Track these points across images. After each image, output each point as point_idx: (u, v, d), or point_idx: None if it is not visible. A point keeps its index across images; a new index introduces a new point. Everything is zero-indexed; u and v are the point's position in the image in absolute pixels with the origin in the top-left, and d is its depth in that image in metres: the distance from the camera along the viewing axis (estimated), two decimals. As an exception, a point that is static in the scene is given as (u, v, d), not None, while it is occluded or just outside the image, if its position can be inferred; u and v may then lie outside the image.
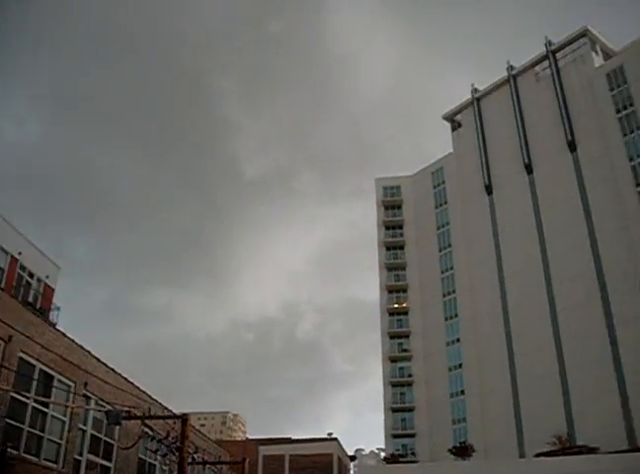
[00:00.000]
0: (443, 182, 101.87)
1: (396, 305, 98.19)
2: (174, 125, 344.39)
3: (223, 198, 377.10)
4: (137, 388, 28.54)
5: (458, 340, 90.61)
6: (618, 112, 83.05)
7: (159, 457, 24.30)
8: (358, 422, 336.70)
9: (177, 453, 20.44)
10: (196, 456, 26.28)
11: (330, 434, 76.67)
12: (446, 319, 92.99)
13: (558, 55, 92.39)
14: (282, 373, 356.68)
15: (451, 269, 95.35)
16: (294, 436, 74.78)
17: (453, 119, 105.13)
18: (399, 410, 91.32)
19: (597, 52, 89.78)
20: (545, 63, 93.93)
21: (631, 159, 79.86)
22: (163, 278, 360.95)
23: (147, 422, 26.33)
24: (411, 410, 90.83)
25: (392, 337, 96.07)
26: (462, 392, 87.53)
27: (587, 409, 74.10)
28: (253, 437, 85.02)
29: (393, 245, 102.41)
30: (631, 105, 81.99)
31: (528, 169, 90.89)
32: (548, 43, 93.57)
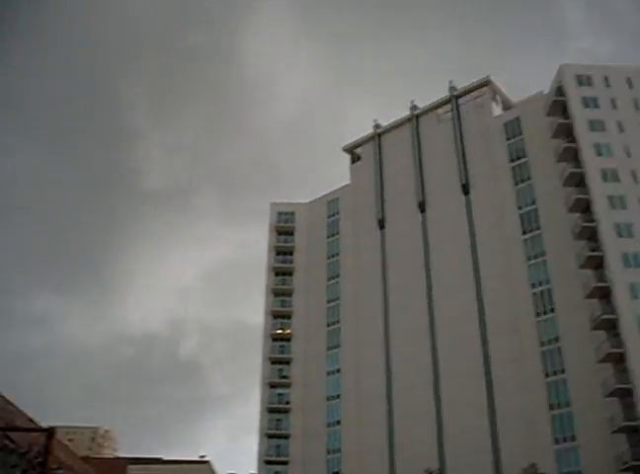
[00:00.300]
0: (338, 212, 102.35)
1: (280, 331, 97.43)
2: (78, 126, 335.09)
3: (120, 207, 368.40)
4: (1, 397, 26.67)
5: (339, 370, 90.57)
6: (512, 161, 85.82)
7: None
8: (233, 446, 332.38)
9: (39, 469, 19.02)
10: (59, 473, 24.71)
11: (203, 456, 75.19)
12: (329, 348, 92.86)
13: (460, 100, 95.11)
14: (161, 391, 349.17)
15: (338, 299, 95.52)
16: (166, 457, 72.91)
17: (353, 152, 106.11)
18: (274, 436, 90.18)
19: (497, 102, 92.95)
20: (448, 106, 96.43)
21: (520, 207, 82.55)
22: (45, 283, 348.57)
23: (9, 434, 24.55)
24: (286, 437, 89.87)
25: (273, 362, 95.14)
26: (339, 422, 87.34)
27: (458, 445, 75.45)
28: (123, 456, 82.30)
29: (282, 270, 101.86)
30: (524, 155, 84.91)
31: (422, 207, 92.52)
32: (452, 88, 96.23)
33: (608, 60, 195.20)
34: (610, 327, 68.32)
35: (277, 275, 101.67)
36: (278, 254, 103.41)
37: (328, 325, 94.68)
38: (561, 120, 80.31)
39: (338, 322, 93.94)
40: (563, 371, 71.45)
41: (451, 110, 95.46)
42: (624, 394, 64.66)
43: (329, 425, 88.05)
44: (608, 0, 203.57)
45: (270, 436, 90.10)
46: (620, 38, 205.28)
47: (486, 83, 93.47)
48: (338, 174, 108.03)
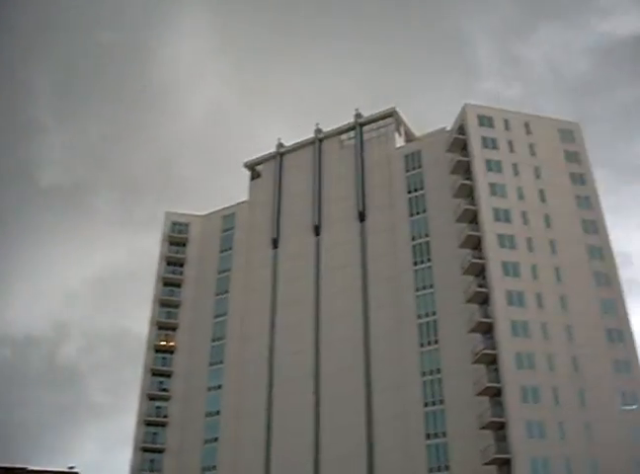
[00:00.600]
0: (233, 228, 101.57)
1: (163, 342, 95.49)
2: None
3: (11, 201, 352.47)
4: None
5: (220, 386, 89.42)
6: (409, 192, 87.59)
7: None
8: (106, 457, 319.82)
9: None
10: None
11: (71, 467, 72.29)
12: (211, 364, 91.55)
13: (365, 128, 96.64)
14: (36, 396, 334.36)
15: (225, 315, 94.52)
16: (32, 467, 69.76)
17: (254, 169, 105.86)
18: (149, 450, 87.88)
19: (400, 133, 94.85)
20: (352, 133, 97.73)
21: (413, 238, 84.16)
22: None
23: None
24: (161, 451, 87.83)
25: (154, 374, 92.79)
26: (216, 439, 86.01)
27: (335, 471, 75.72)
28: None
29: (172, 281, 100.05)
30: (422, 188, 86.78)
31: (317, 230, 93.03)
32: (358, 115, 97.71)
33: (514, 104, 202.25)
34: (490, 362, 70.20)
35: (165, 285, 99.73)
36: (168, 264, 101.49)
37: (213, 340, 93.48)
38: (460, 158, 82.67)
39: (223, 338, 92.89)
40: (442, 402, 72.87)
41: (355, 136, 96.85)
42: (498, 427, 66.50)
43: (206, 441, 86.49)
44: (520, 47, 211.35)
45: (144, 450, 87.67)
46: (527, 84, 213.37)
47: (391, 114, 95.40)
48: (237, 189, 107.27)
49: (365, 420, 76.86)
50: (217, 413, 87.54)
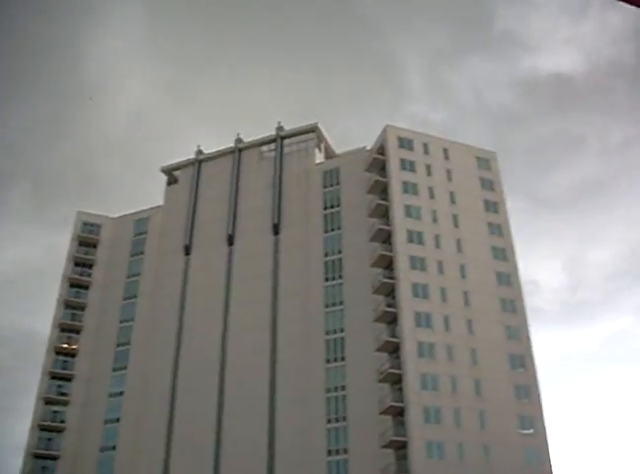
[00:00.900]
0: (146, 232, 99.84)
1: (66, 345, 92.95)
2: None
3: None
4: None
5: (122, 393, 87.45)
6: (325, 208, 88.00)
7: None
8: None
9: None
10: None
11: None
12: (115, 369, 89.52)
13: (286, 142, 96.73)
14: None
15: (132, 320, 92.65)
16: None
17: (172, 174, 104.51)
18: (42, 456, 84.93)
19: (320, 149, 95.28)
20: (272, 145, 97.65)
21: (326, 254, 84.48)
22: None
23: None
24: (55, 458, 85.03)
25: (53, 377, 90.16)
26: (114, 448, 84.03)
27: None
28: None
29: (79, 283, 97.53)
30: (338, 205, 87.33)
31: (230, 240, 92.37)
32: (279, 128, 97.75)
33: (439, 129, 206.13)
34: (395, 381, 70.97)
35: (72, 286, 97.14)
36: (76, 265, 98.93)
37: (118, 345, 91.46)
38: (378, 178, 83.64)
39: (128, 343, 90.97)
40: (345, 419, 73.18)
41: (275, 149, 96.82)
42: (399, 446, 67.18)
43: (103, 449, 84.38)
44: (448, 74, 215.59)
45: (36, 456, 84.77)
46: (452, 111, 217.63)
47: (313, 129, 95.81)
48: (155, 193, 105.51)
49: (268, 433, 76.41)
50: (117, 420, 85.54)
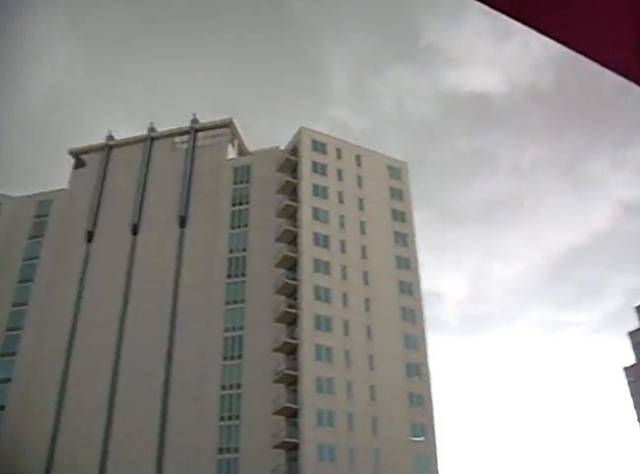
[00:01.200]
0: (48, 215, 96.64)
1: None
2: None
3: None
4: None
5: (10, 379, 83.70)
6: (234, 205, 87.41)
7: None
8: None
9: None
10: None
11: None
12: (3, 355, 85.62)
13: (199, 135, 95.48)
14: None
15: (26, 304, 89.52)
16: None
17: (80, 157, 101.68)
18: None
19: (233, 145, 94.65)
20: (185, 137, 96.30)
21: (231, 251, 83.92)
22: None
23: None
24: None
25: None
26: (2, 407, 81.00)
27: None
28: None
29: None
30: (247, 203, 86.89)
31: (135, 230, 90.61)
32: (194, 120, 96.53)
33: (358, 135, 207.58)
34: (291, 382, 71.08)
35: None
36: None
37: (8, 330, 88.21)
38: (289, 178, 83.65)
39: (20, 328, 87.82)
40: (238, 417, 72.81)
41: (188, 141, 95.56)
42: (291, 448, 67.31)
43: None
44: (372, 82, 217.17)
45: None
46: (373, 118, 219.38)
47: (227, 124, 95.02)
48: (60, 177, 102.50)
49: (159, 428, 75.14)
50: (2, 408, 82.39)
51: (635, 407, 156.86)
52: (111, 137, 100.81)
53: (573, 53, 2.66)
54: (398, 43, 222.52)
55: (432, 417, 73.66)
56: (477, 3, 2.89)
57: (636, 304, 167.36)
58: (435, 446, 72.06)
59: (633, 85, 2.71)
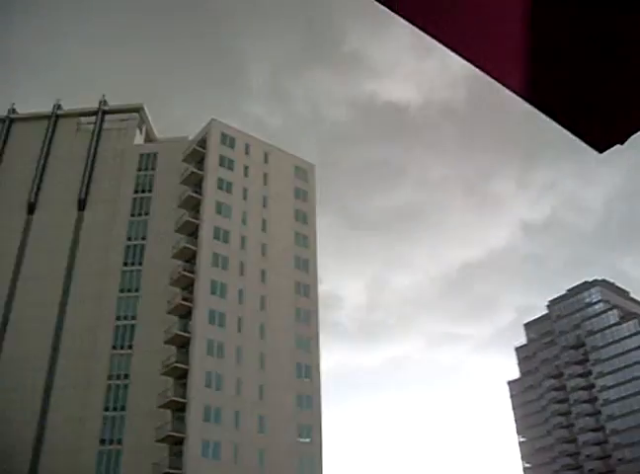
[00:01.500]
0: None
1: None
2: None
3: None
4: None
5: None
6: (136, 192, 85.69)
7: None
8: None
9: None
10: None
11: None
12: None
13: (107, 117, 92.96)
14: None
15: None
16: None
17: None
18: None
19: (141, 131, 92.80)
20: (93, 118, 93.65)
21: (129, 239, 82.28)
22: None
23: None
24: None
25: None
26: None
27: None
28: None
29: None
30: (150, 190, 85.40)
31: (31, 209, 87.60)
32: (103, 102, 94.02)
33: (271, 133, 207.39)
34: (180, 376, 70.33)
35: None
36: None
37: None
38: (194, 170, 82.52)
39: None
40: (124, 408, 71.46)
41: (95, 123, 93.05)
42: (176, 442, 66.71)
43: None
44: (291, 83, 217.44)
45: None
46: (288, 118, 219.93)
47: (137, 110, 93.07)
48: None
49: (39, 419, 72.60)
50: None
51: (515, 420, 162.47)
52: (13, 110, 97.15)
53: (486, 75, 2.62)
54: (322, 47, 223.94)
55: (319, 419, 74.18)
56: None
57: (525, 321, 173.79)
58: (320, 448, 72.61)
59: (539, 110, 2.69)
